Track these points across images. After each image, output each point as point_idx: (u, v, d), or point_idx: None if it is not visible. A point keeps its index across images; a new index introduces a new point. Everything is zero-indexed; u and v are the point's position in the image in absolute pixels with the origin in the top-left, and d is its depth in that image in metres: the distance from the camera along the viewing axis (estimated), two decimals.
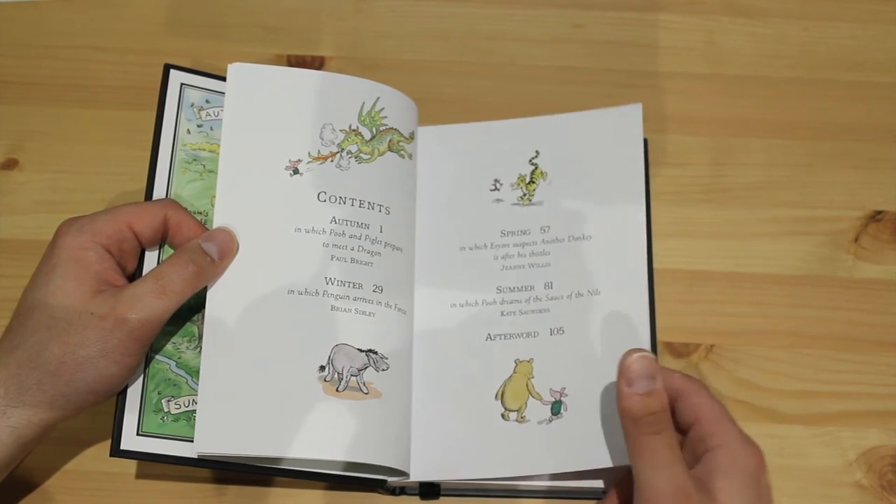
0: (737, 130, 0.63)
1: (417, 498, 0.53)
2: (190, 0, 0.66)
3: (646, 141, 0.59)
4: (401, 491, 0.53)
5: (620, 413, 0.44)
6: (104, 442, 0.52)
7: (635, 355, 0.43)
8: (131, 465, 0.53)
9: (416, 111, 0.57)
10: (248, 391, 0.48)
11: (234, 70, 0.54)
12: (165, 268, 0.47)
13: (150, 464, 0.51)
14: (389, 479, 0.51)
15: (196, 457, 0.48)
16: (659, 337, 0.56)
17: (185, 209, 0.51)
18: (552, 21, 0.66)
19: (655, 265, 0.58)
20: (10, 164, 0.61)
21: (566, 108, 0.58)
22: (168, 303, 0.46)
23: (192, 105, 0.54)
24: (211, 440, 0.48)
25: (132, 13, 0.66)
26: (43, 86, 0.63)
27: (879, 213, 0.60)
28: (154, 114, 0.53)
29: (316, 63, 0.64)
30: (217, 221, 0.51)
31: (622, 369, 0.43)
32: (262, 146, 0.53)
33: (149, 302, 0.46)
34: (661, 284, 0.57)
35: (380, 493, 0.53)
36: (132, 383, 0.49)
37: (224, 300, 0.50)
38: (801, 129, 0.63)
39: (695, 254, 0.59)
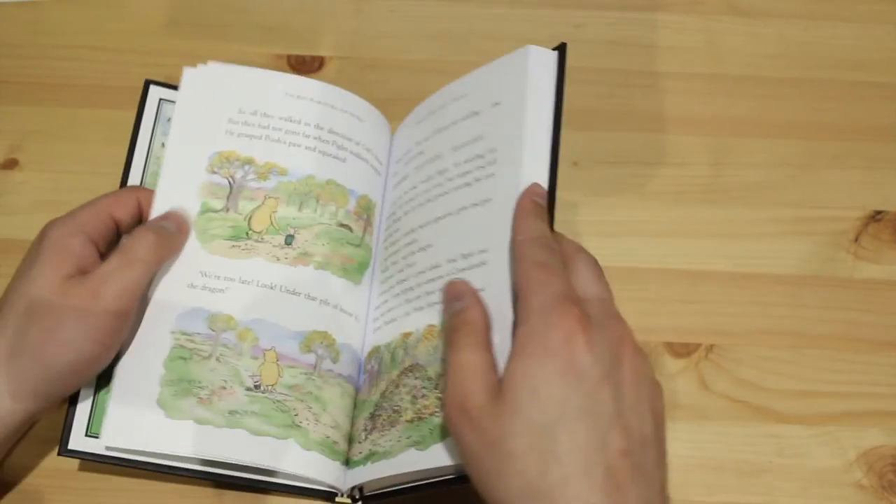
0: (737, 130, 0.63)
1: None
2: (189, 0, 0.66)
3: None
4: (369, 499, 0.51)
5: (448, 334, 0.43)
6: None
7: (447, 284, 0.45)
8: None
9: (382, 124, 0.57)
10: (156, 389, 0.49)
11: (188, 74, 0.54)
12: (127, 241, 0.49)
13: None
14: (339, 490, 0.50)
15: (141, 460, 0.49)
16: (659, 337, 0.56)
17: (153, 191, 0.52)
18: (552, 21, 0.66)
19: (656, 266, 0.58)
20: (10, 164, 0.61)
21: (566, 108, 0.57)
22: (136, 272, 0.47)
23: (169, 119, 0.55)
24: (117, 436, 0.48)
25: (132, 13, 0.66)
26: (43, 86, 0.64)
27: (879, 213, 0.60)
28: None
29: (316, 63, 0.64)
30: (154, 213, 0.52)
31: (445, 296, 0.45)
32: (207, 146, 0.53)
33: (119, 274, 0.47)
34: (661, 284, 0.58)
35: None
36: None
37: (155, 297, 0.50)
38: (801, 129, 0.63)
39: (695, 254, 0.59)
